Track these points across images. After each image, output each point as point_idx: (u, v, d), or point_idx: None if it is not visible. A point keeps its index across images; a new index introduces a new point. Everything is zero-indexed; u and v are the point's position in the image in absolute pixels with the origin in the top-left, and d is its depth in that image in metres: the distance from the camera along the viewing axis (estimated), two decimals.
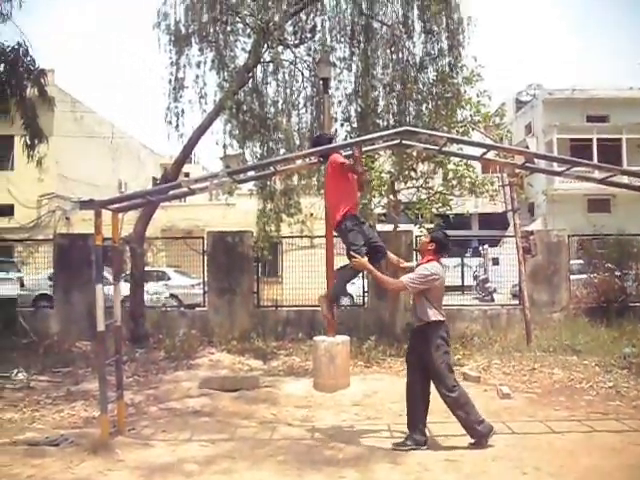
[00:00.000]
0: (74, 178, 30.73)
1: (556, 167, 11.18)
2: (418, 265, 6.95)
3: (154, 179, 39.52)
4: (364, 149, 7.01)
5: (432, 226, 14.57)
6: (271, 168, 7.18)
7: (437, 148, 7.05)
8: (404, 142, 7.09)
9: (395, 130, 6.55)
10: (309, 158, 6.94)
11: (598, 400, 9.00)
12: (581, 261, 16.84)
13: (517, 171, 14.28)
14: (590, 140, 34.90)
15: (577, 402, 8.90)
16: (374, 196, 14.19)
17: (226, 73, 13.82)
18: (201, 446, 7.00)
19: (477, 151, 7.47)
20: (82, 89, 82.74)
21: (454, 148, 10.25)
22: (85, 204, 7.21)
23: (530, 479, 5.73)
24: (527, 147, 35.69)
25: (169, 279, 20.23)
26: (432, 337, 6.75)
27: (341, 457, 6.55)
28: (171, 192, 7.19)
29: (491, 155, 7.57)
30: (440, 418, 8.03)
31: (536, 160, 13.11)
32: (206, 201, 39.38)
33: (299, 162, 7.55)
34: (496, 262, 21.05)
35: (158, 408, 8.91)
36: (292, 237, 15.57)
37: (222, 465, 6.31)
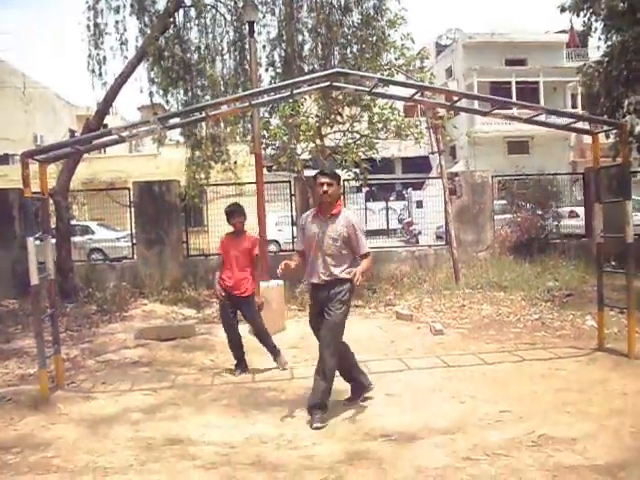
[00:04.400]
0: None
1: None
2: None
3: (71, 131, 38.27)
4: (296, 92, 6.97)
5: (358, 170, 14.69)
6: (202, 113, 7.07)
7: (367, 90, 7.06)
8: (335, 84, 7.08)
9: (326, 72, 6.53)
10: (240, 102, 6.87)
11: (525, 332, 9.41)
12: (504, 201, 17.28)
13: (441, 114, 14.51)
14: (509, 83, 35.56)
15: (506, 335, 9.28)
16: (301, 141, 14.16)
17: (147, 18, 13.50)
18: (143, 395, 6.97)
19: (405, 93, 7.53)
20: None
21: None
22: (2, 158, 6.94)
23: (468, 407, 5.95)
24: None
25: (93, 233, 19.80)
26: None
27: (284, 398, 6.66)
28: (100, 140, 7.02)
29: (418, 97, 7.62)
30: (378, 355, 8.29)
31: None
32: (126, 152, 38.53)
33: (229, 107, 7.47)
34: (420, 205, 21.41)
35: (95, 361, 8.78)
36: (221, 185, 15.46)
37: (167, 412, 6.32)
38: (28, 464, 5.07)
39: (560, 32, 37.35)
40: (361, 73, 7.52)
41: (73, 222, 17.84)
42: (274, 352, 7.91)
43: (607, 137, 12.90)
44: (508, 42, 37.04)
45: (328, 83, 7.08)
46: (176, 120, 7.49)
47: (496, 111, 7.43)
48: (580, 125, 10.15)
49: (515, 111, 19.74)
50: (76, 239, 17.52)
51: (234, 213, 7.65)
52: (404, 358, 8.08)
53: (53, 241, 13.14)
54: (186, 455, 5.09)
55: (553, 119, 11.00)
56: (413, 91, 7.25)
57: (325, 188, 5.85)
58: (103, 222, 19.39)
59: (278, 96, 7.22)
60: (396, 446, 5.06)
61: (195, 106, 8.48)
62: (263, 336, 7.90)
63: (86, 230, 19.55)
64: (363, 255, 5.95)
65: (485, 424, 5.45)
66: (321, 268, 5.91)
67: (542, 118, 8.16)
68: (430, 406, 6.06)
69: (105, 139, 7.32)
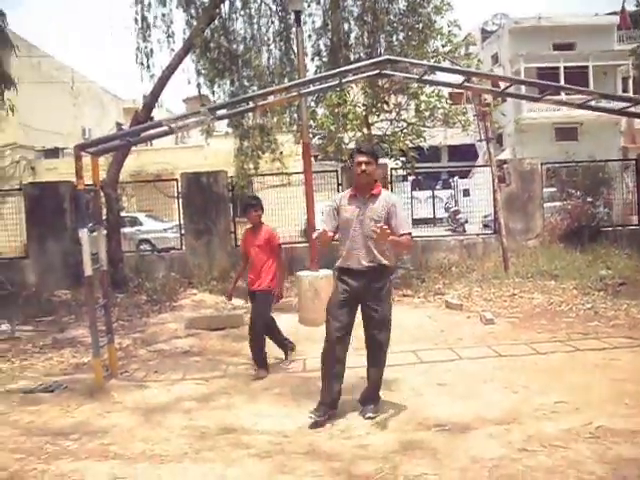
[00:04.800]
0: (36, 127, 29.96)
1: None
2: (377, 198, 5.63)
3: (118, 124, 38.72)
4: (345, 80, 6.95)
5: (405, 159, 14.59)
6: (251, 104, 7.09)
7: (417, 77, 7.00)
8: (384, 72, 7.02)
9: (375, 60, 6.48)
10: (289, 91, 6.87)
11: (578, 321, 9.23)
12: (553, 189, 17.00)
13: (488, 101, 14.31)
14: (557, 69, 34.89)
15: (558, 324, 9.12)
16: (347, 130, 14.11)
17: (193, 10, 13.60)
18: (196, 384, 7.07)
19: (454, 80, 7.43)
20: (37, 33, 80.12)
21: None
22: (52, 152, 7.04)
23: (520, 398, 5.88)
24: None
25: (141, 224, 20.12)
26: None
27: None
28: (150, 132, 7.09)
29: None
30: (428, 345, 8.24)
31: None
32: (173, 144, 38.86)
33: (277, 97, 7.46)
34: (466, 193, 21.17)
35: (147, 350, 8.95)
36: (269, 174, 15.47)
37: (220, 401, 6.39)
38: (86, 450, 5.18)
39: (611, 14, 36.50)
40: (410, 60, 7.46)
41: (122, 214, 18.13)
42: (285, 347, 7.95)
43: None
44: (556, 26, 36.27)
45: (377, 71, 7.02)
46: (224, 111, 7.52)
47: (547, 97, 7.30)
48: (634, 109, 9.90)
49: (564, 97, 19.42)
50: (125, 230, 17.83)
51: (250, 206, 7.52)
52: (455, 347, 8.02)
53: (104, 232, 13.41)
54: (240, 444, 5.13)
55: (604, 103, 10.78)
56: (460, 78, 7.17)
57: (364, 167, 5.46)
58: (151, 213, 19.65)
59: (326, 85, 7.18)
60: (450, 436, 5.02)
61: (244, 96, 8.51)
62: (270, 332, 7.73)
63: (135, 221, 19.90)
64: (404, 234, 5.50)
65: (540, 415, 5.37)
66: (362, 252, 5.47)
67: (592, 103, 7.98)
68: (483, 396, 5.99)
69: (154, 131, 7.38)
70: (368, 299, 5.52)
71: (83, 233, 6.85)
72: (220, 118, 7.53)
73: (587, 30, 36.24)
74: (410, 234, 5.64)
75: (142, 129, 7.06)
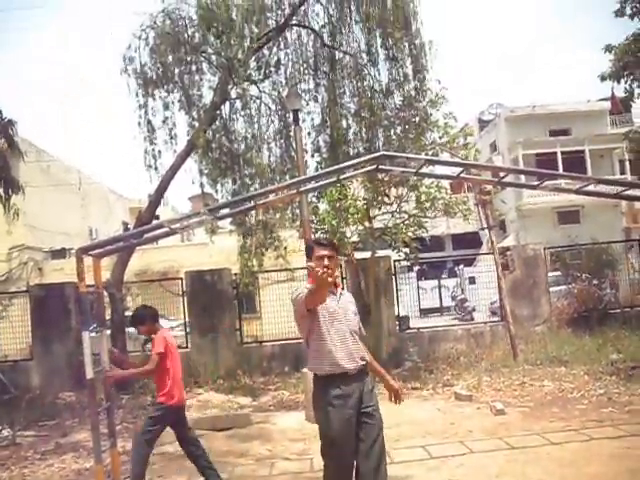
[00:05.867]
0: (43, 228, 30.35)
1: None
2: None
3: (124, 223, 39.19)
4: (343, 177, 7.04)
5: (408, 250, 14.63)
6: (251, 202, 7.16)
7: (414, 171, 7.08)
8: (381, 167, 7.12)
9: (372, 155, 6.55)
10: (288, 189, 6.95)
11: (591, 408, 9.06)
12: (558, 273, 17.01)
13: (488, 189, 14.49)
14: (554, 154, 35.46)
15: (571, 412, 8.94)
16: (349, 225, 14.22)
17: (194, 112, 13.86)
18: None
19: (452, 171, 7.53)
20: (45, 137, 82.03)
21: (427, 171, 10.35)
22: (59, 252, 7.08)
23: None
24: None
25: None
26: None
27: None
28: (152, 233, 7.14)
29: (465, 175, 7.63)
30: (438, 439, 8.05)
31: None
32: (178, 242, 39.13)
33: (277, 195, 7.55)
34: (472, 281, 21.15)
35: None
36: (273, 271, 15.49)
37: None
38: None
39: (602, 100, 37.38)
40: (407, 155, 7.58)
41: (127, 313, 18.11)
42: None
43: None
44: (550, 113, 37.13)
45: (375, 166, 7.11)
46: (226, 210, 7.60)
47: (544, 184, 7.36)
48: (631, 192, 9.98)
49: (563, 182, 19.58)
50: (131, 330, 17.75)
51: (134, 322, 6.99)
52: (465, 441, 7.84)
53: (108, 332, 13.36)
54: None
55: (602, 187, 10.88)
56: (458, 169, 7.26)
57: (327, 262, 4.67)
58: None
59: (325, 182, 7.28)
60: None
61: (243, 196, 8.59)
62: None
63: None
64: (362, 335, 4.89)
65: None
66: (355, 349, 4.64)
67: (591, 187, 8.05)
68: None
69: (157, 232, 7.44)
70: (366, 404, 4.60)
71: (85, 336, 6.79)
72: (221, 218, 7.61)
73: (581, 116, 37.08)
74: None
75: (143, 231, 7.11)
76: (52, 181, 32.19)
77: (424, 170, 7.43)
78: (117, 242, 7.08)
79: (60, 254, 30.51)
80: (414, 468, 6.86)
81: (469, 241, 33.55)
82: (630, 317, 14.75)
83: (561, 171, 31.18)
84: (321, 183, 7.41)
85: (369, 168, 7.14)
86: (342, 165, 6.85)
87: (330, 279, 4.27)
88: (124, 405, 12.05)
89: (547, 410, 9.21)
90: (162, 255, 28.91)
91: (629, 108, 35.65)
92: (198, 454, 6.64)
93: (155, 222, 7.23)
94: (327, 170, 7.23)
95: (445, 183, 15.49)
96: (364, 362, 4.69)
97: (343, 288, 4.99)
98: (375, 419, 4.61)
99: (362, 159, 6.85)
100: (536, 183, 7.45)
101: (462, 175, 7.24)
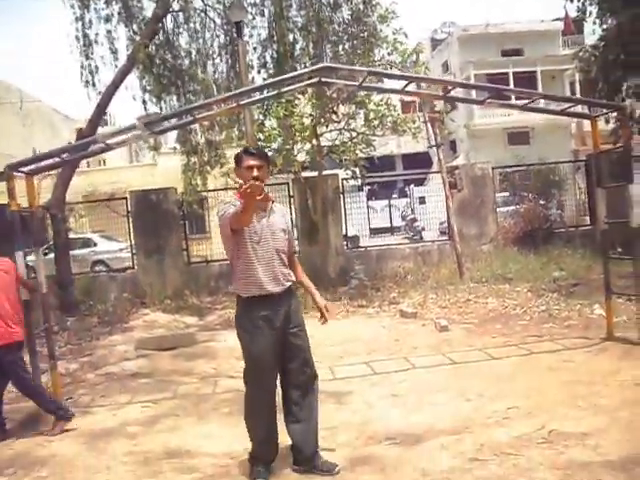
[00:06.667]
0: None
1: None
2: None
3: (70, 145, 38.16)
4: (284, 90, 6.82)
5: (357, 170, 14.49)
6: (190, 117, 6.91)
7: (357, 84, 6.89)
8: (324, 80, 6.91)
9: (313, 67, 6.35)
10: (227, 103, 6.70)
11: (532, 324, 9.22)
12: (506, 194, 17.12)
13: (438, 109, 14.34)
14: (506, 74, 35.22)
15: (513, 328, 9.09)
16: (297, 142, 13.97)
17: (135, 25, 13.33)
18: (143, 407, 6.81)
19: (399, 86, 7.35)
20: None
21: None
22: (1, 175, 6.76)
23: (473, 405, 5.76)
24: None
25: (95, 245, 19.76)
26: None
27: None
28: (88, 149, 6.87)
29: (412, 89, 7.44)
30: (382, 356, 8.11)
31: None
32: (127, 163, 38.42)
33: (218, 109, 7.30)
34: (423, 201, 21.26)
35: (95, 374, 8.64)
36: (220, 190, 15.23)
37: (166, 423, 6.16)
38: None
39: (555, 20, 37.06)
40: (350, 67, 7.37)
41: (75, 235, 17.78)
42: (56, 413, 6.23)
43: (607, 122, 12.75)
44: (503, 33, 36.70)
45: (317, 79, 6.90)
46: (166, 125, 7.33)
47: (492, 100, 7.26)
48: (580, 111, 9.98)
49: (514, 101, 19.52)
50: (79, 252, 17.50)
51: None
52: (409, 357, 7.90)
53: (51, 255, 13.09)
54: (184, 468, 4.92)
55: (552, 106, 10.82)
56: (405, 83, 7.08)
57: (256, 173, 4.34)
58: (105, 234, 19.30)
59: (266, 95, 7.06)
60: (401, 449, 4.88)
61: (182, 109, 8.30)
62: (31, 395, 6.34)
63: (88, 242, 19.53)
64: (294, 253, 4.84)
65: (493, 422, 5.26)
66: (280, 270, 4.45)
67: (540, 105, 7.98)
68: (436, 406, 5.86)
69: (93, 147, 7.17)
70: (289, 325, 4.48)
71: (19, 255, 6.58)
72: (159, 133, 7.31)
73: (534, 36, 36.75)
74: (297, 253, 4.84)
75: (79, 146, 6.81)
76: None
77: (370, 84, 7.24)
78: (49, 158, 6.78)
79: (2, 177, 29.61)
80: (357, 384, 6.88)
81: (420, 161, 33.50)
82: (574, 236, 14.98)
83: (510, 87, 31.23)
84: (262, 96, 7.20)
85: (312, 81, 6.94)
86: (283, 77, 6.65)
87: (258, 192, 3.89)
88: (69, 327, 11.86)
89: (490, 326, 9.34)
90: (109, 177, 28.44)
91: (582, 29, 35.42)
92: None
93: (88, 138, 6.90)
94: (268, 82, 7.03)
95: (395, 101, 15.26)
96: (290, 283, 4.53)
97: (273, 202, 4.59)
98: (301, 339, 4.55)
99: (304, 70, 6.65)
100: (482, 99, 7.36)
101: (408, 89, 7.08)
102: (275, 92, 6.89)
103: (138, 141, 7.69)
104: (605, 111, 8.35)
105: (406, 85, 6.80)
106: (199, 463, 5.00)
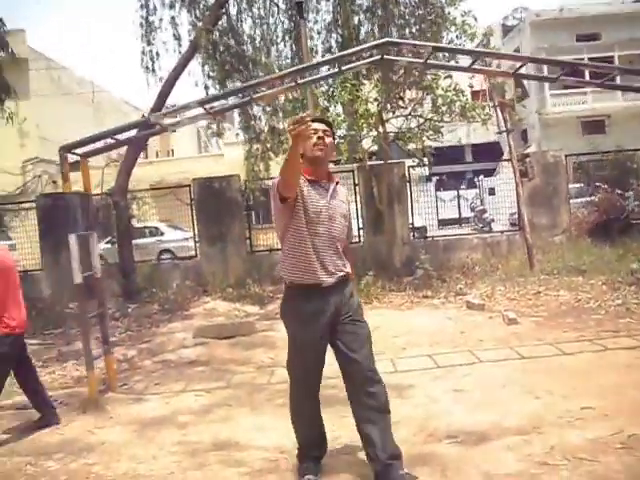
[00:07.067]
0: (57, 141, 29.83)
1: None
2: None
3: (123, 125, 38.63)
4: (344, 68, 6.50)
5: (425, 159, 14.06)
6: (247, 96, 6.67)
7: (422, 61, 6.51)
8: (386, 57, 6.56)
9: (375, 42, 6.02)
10: (284, 81, 6.43)
11: (607, 318, 8.63)
12: (580, 184, 16.41)
13: (508, 96, 13.79)
14: (581, 60, 34.00)
15: (586, 322, 8.52)
16: (362, 129, 13.62)
17: (198, 11, 13.22)
18: (196, 396, 6.65)
19: (465, 63, 6.95)
20: (57, 49, 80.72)
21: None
22: (74, 165, 6.65)
23: (543, 403, 5.35)
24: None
25: (162, 234, 20.03)
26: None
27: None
28: (143, 132, 6.70)
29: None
30: (446, 348, 7.74)
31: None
32: (195, 154, 38.76)
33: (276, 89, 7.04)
34: (492, 192, 20.71)
35: (152, 361, 8.56)
36: None
37: (218, 413, 5.97)
38: (67, 471, 4.83)
39: (637, 1, 35.55)
40: (413, 42, 6.99)
41: (142, 224, 17.95)
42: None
43: None
44: (579, 16, 35.21)
45: (380, 56, 6.56)
46: (223, 104, 7.09)
47: (566, 77, 6.79)
48: None
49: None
50: (146, 240, 17.73)
51: None
52: (475, 350, 7.48)
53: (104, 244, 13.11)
54: (232, 461, 4.69)
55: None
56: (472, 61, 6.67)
57: (321, 134, 3.92)
58: (173, 223, 19.46)
59: (326, 73, 6.75)
60: (462, 449, 4.52)
61: (238, 87, 8.07)
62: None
63: (156, 231, 19.81)
64: (350, 243, 4.36)
65: (564, 422, 4.83)
66: (333, 260, 3.96)
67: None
68: (502, 403, 5.46)
69: (150, 130, 7.01)
70: (346, 312, 4.02)
71: (72, 238, 6.48)
72: (216, 113, 7.07)
73: (612, 19, 35.16)
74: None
75: (128, 126, 6.64)
76: (64, 92, 31.58)
77: (436, 62, 6.86)
78: (102, 138, 6.63)
79: (75, 166, 30.22)
80: (418, 377, 6.54)
81: (490, 151, 32.71)
82: None
83: (587, 78, 30.15)
84: (322, 74, 6.88)
85: (374, 58, 6.61)
86: (343, 52, 6.35)
87: (307, 129, 3.48)
88: (130, 314, 11.87)
89: (561, 320, 8.81)
90: (177, 167, 28.64)
91: None
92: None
93: (141, 118, 6.72)
94: (327, 58, 6.71)
95: (464, 87, 14.73)
96: (343, 273, 4.03)
97: (338, 183, 4.13)
98: (357, 327, 4.03)
99: (365, 45, 6.31)
100: (554, 76, 6.88)
101: (475, 67, 6.67)
102: (336, 70, 6.58)
103: (194, 122, 7.49)
104: None
105: (473, 62, 6.38)
106: (247, 456, 4.76)
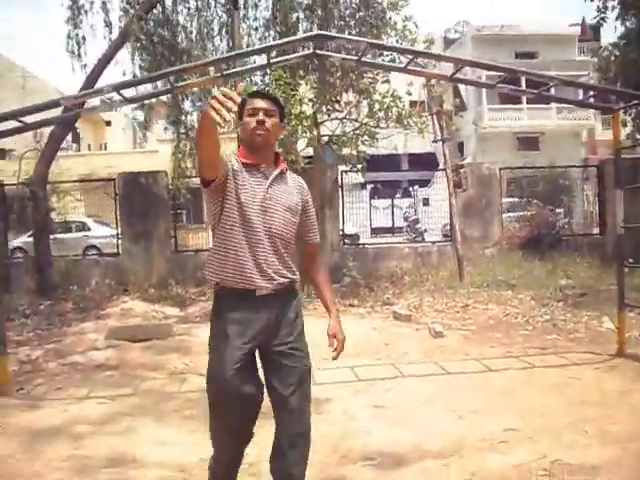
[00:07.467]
0: None
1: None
2: None
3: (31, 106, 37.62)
4: (274, 60, 6.13)
5: (359, 166, 13.77)
6: (170, 86, 6.22)
7: (356, 58, 6.19)
8: (318, 52, 6.21)
9: (306, 34, 5.69)
10: (208, 69, 6.01)
11: (535, 334, 8.54)
12: (513, 199, 16.48)
13: (445, 108, 13.66)
14: (519, 77, 34.45)
15: (514, 337, 8.40)
16: (296, 130, 13.24)
17: None
18: (98, 403, 6.14)
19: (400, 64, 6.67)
20: None
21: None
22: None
23: (467, 423, 5.07)
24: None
25: (89, 230, 19.40)
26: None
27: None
28: (53, 115, 6.19)
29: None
30: (370, 360, 7.44)
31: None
32: (129, 149, 37.87)
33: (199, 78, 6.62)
34: (427, 202, 20.69)
35: (57, 363, 7.97)
36: None
37: (120, 424, 5.48)
38: None
39: (572, 25, 36.39)
40: (347, 36, 6.67)
41: (68, 218, 17.30)
42: None
43: (625, 125, 12.14)
44: (518, 35, 35.92)
45: (312, 51, 6.21)
46: (141, 92, 6.63)
47: (503, 84, 6.58)
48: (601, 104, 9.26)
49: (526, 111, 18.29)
50: (71, 235, 17.10)
51: None
52: (398, 363, 7.21)
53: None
54: None
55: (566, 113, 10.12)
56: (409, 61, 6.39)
57: (261, 117, 3.13)
58: (100, 219, 18.86)
59: (253, 65, 6.37)
60: (377, 473, 4.19)
61: (157, 73, 7.57)
62: None
63: (82, 226, 19.19)
64: (316, 245, 3.62)
65: (487, 445, 4.55)
66: (272, 262, 3.17)
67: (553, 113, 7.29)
68: (423, 422, 5.16)
69: (66, 113, 6.49)
70: (285, 338, 3.23)
71: None
72: (132, 101, 6.58)
73: (549, 40, 35.99)
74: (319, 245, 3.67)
75: (36, 107, 6.10)
76: None
77: (370, 60, 6.56)
78: (2, 120, 6.08)
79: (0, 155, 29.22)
80: (338, 390, 6.21)
81: (426, 162, 32.79)
82: (582, 245, 14.35)
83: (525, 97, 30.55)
84: (250, 66, 6.50)
85: (305, 52, 6.26)
86: (272, 43, 6.02)
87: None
88: (41, 311, 11.20)
89: (489, 334, 8.66)
90: (108, 161, 27.83)
91: (598, 37, 34.74)
92: None
93: (52, 100, 6.19)
94: (255, 48, 6.34)
95: (402, 94, 14.51)
96: (286, 280, 3.24)
97: (287, 170, 3.33)
98: (294, 360, 3.22)
99: (295, 37, 5.97)
100: (492, 83, 6.67)
101: (410, 67, 6.38)
102: (265, 62, 6.20)
103: (109, 109, 7.00)
104: (629, 103, 7.64)
105: (409, 62, 6.09)
106: (141, 475, 4.31)
